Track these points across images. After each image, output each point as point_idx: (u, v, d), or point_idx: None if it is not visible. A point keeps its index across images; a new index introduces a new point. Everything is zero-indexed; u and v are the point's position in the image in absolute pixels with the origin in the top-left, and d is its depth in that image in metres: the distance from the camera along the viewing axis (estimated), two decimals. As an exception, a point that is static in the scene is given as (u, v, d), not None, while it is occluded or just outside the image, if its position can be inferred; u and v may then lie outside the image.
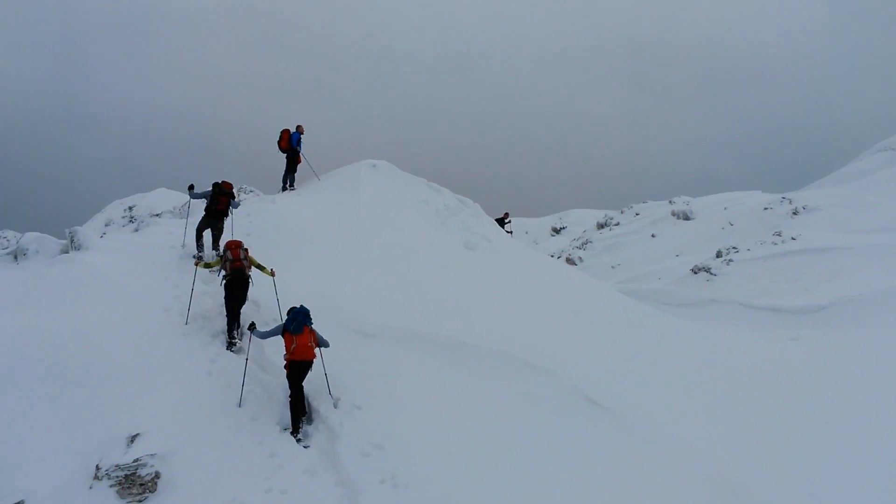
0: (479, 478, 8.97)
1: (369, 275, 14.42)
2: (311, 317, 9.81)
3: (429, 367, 11.34)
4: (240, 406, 9.39)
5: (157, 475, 7.79)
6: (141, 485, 7.64)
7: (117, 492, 7.57)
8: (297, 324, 9.58)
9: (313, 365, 9.74)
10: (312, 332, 9.74)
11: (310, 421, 9.58)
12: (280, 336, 9.70)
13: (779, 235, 30.64)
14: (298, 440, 9.13)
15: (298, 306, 9.86)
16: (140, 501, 7.53)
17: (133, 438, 8.24)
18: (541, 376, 11.67)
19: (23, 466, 7.68)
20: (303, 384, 9.60)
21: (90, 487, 7.60)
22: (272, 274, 11.73)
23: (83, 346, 9.68)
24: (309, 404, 9.81)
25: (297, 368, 9.52)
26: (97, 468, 7.79)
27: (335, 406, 9.78)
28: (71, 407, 8.60)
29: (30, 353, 9.30)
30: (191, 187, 14.20)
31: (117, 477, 7.68)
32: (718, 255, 31.28)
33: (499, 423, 10.29)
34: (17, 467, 7.67)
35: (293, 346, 9.47)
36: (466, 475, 8.95)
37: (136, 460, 7.89)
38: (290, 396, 9.49)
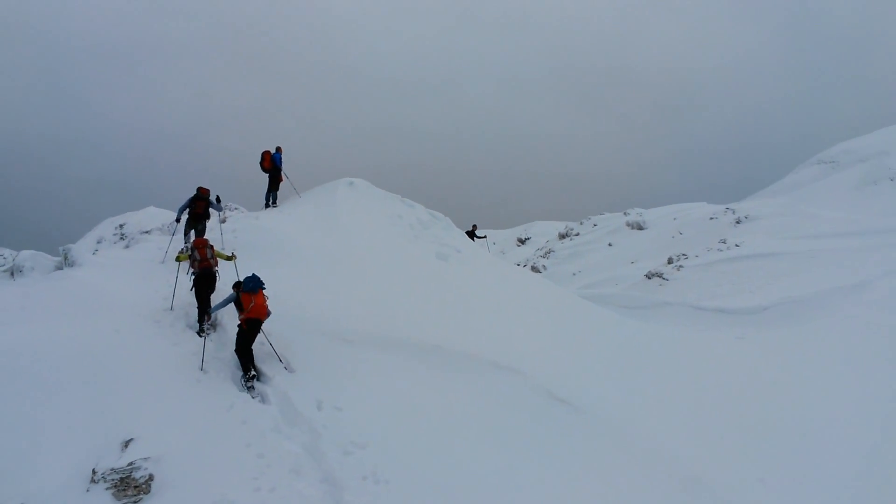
0: (455, 472, 8.98)
1: (348, 285, 14.40)
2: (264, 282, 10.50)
3: (405, 370, 11.34)
4: (228, 411, 9.31)
5: (151, 477, 7.68)
6: (135, 487, 7.53)
7: (113, 494, 7.45)
8: (254, 284, 10.27)
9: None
10: (265, 295, 10.42)
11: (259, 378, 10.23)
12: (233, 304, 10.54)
13: (724, 243, 31.12)
14: (250, 388, 9.93)
15: (250, 275, 10.50)
16: (135, 503, 7.42)
17: (127, 443, 8.13)
18: (510, 376, 11.73)
19: (23, 470, 7.55)
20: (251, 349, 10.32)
21: (87, 490, 7.48)
22: (233, 257, 12.43)
23: (78, 356, 9.54)
24: (257, 367, 10.39)
25: (253, 325, 10.19)
26: (93, 472, 7.67)
27: (313, 401, 9.73)
28: (67, 414, 8.47)
29: (27, 364, 9.14)
30: (178, 219, 14.79)
31: (113, 480, 7.56)
32: (670, 261, 31.66)
33: (471, 421, 10.32)
34: (17, 471, 7.53)
35: (251, 304, 10.14)
36: (443, 470, 8.95)
37: (130, 464, 7.78)
38: (242, 355, 10.24)
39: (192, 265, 11.63)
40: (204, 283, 11.48)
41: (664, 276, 29.23)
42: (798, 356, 15.96)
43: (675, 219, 45.66)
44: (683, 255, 31.86)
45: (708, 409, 12.84)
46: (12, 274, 12.39)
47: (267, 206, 20.01)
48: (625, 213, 53.20)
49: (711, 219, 39.18)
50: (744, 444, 11.76)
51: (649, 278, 29.75)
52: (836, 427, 12.54)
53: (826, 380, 14.59)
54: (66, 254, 13.00)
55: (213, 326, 11.58)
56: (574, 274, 42.45)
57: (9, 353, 9.29)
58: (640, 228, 48.49)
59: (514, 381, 11.63)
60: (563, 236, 56.20)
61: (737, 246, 29.73)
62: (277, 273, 13.65)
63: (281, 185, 20.02)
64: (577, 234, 54.76)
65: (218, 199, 14.63)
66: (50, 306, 11.06)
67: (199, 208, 14.16)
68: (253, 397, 9.82)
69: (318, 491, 8.07)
